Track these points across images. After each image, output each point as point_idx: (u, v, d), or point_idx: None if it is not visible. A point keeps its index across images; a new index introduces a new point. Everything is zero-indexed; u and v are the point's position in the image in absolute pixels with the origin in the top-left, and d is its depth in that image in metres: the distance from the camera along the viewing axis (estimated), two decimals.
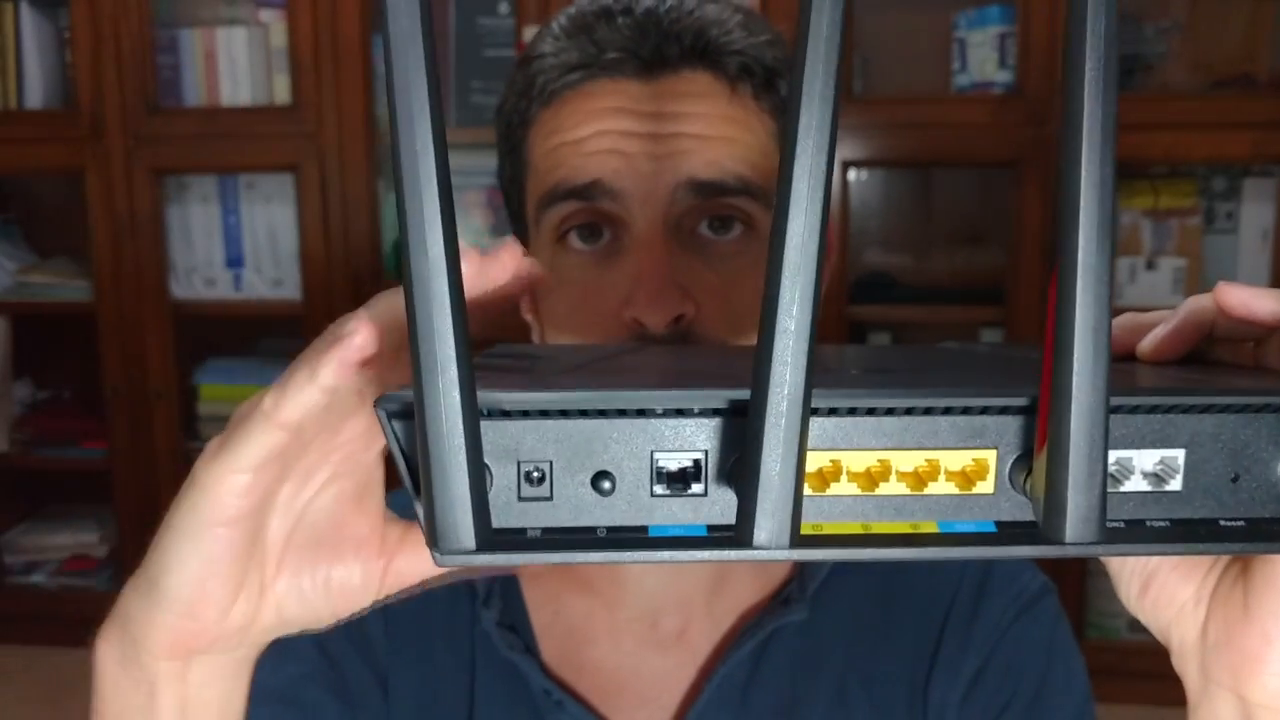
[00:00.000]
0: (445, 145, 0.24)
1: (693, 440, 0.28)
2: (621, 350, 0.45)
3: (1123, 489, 0.29)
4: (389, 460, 0.34)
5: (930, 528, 0.29)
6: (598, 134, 0.58)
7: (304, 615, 0.40)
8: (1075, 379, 0.24)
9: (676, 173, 0.57)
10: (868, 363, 0.38)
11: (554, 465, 0.28)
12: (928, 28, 2.23)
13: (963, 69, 2.12)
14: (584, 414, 0.28)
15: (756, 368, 0.24)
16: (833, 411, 0.28)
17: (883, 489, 0.29)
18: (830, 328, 2.08)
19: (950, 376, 0.33)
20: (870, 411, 0.28)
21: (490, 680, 0.63)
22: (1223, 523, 0.29)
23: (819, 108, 0.23)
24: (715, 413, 0.28)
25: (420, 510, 0.27)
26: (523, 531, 0.28)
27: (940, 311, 2.22)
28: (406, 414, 0.28)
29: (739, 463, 0.27)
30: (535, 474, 0.28)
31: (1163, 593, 0.37)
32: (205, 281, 2.35)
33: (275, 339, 2.46)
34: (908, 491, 0.29)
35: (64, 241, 2.47)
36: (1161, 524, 0.29)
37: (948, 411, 0.28)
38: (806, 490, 0.28)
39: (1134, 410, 0.28)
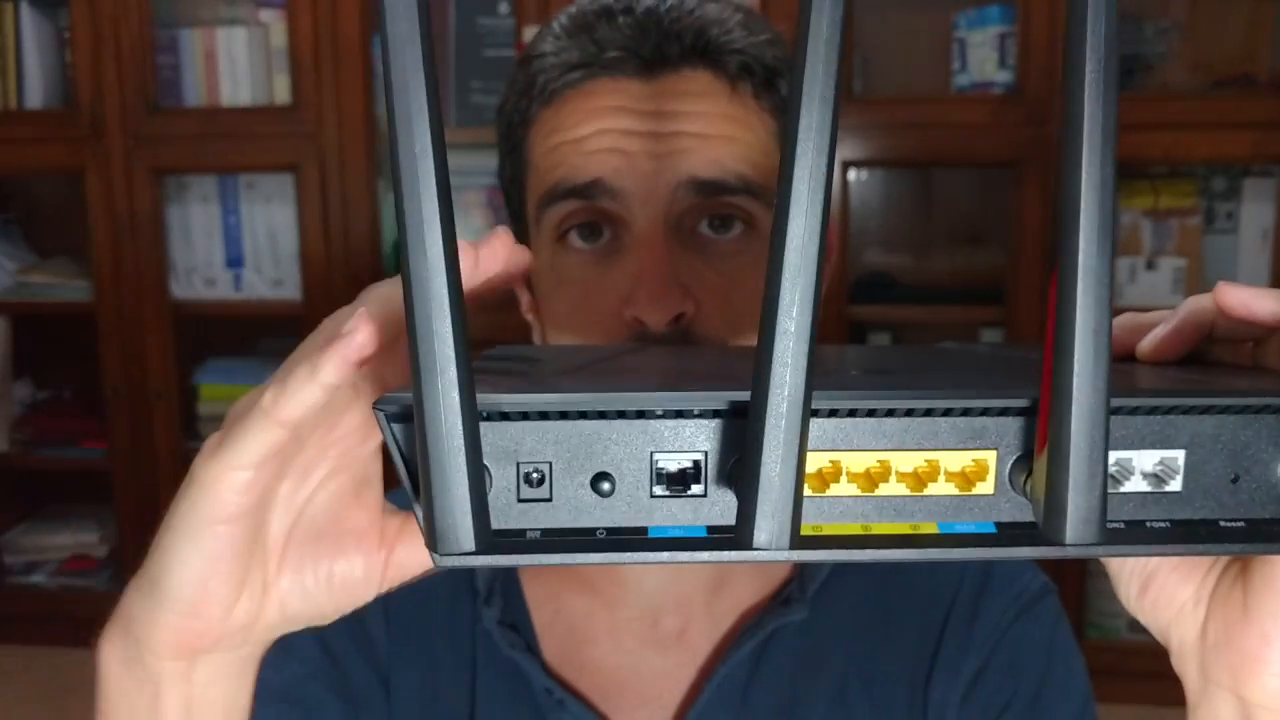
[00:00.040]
0: (444, 147, 0.24)
1: (692, 441, 0.28)
2: (621, 351, 0.45)
3: (1123, 490, 0.29)
4: (387, 456, 0.34)
5: (930, 529, 0.29)
6: (598, 133, 0.58)
7: (308, 611, 0.40)
8: (1075, 380, 0.24)
9: (677, 171, 0.57)
10: (868, 363, 0.38)
11: (553, 466, 0.28)
12: (928, 28, 2.23)
13: (963, 69, 2.12)
14: (583, 415, 0.28)
15: (756, 369, 0.24)
16: (833, 412, 0.28)
17: (882, 490, 0.29)
18: (830, 328, 2.08)
19: (950, 378, 0.33)
20: (870, 412, 0.28)
21: (491, 679, 0.63)
22: (1222, 523, 0.29)
23: (819, 108, 0.23)
24: (715, 414, 0.28)
25: (419, 512, 0.27)
26: (522, 533, 0.28)
27: (940, 311, 2.22)
28: (406, 416, 0.28)
29: (739, 464, 0.27)
30: (535, 475, 0.28)
31: (1162, 593, 0.37)
32: (205, 281, 2.35)
33: (275, 339, 2.45)
34: (907, 492, 0.29)
35: (64, 241, 2.47)
36: (1161, 525, 0.29)
37: (948, 413, 0.28)
38: (806, 491, 0.28)
39: (1134, 411, 0.28)
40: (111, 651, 0.41)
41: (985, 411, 0.28)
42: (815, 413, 0.28)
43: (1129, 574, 0.38)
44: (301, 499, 0.39)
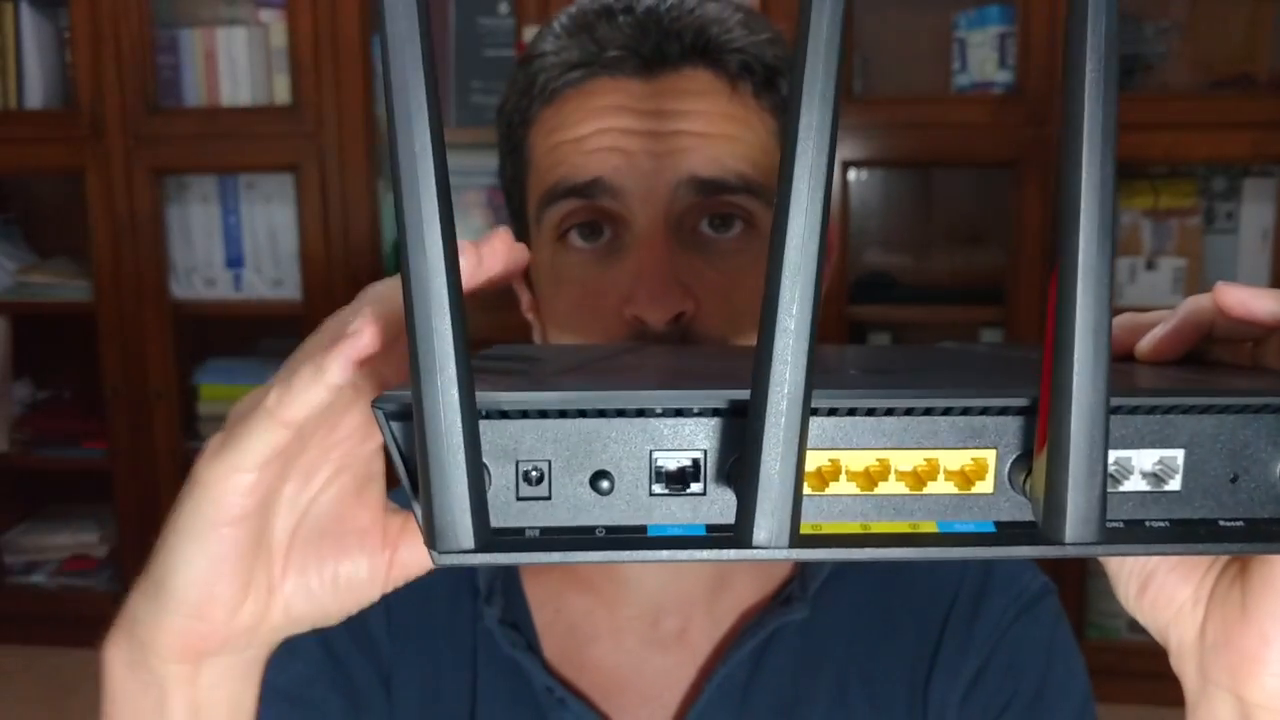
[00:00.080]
0: (443, 146, 0.24)
1: (692, 440, 0.28)
2: (620, 350, 0.45)
3: (1122, 489, 0.29)
4: (389, 454, 0.34)
5: (929, 528, 0.29)
6: (599, 132, 0.58)
7: (313, 613, 0.40)
8: (1075, 379, 0.24)
9: (677, 170, 0.57)
10: (867, 363, 0.38)
11: (552, 465, 0.28)
12: (928, 28, 2.23)
13: (963, 69, 2.12)
14: (582, 414, 0.28)
15: (756, 367, 0.24)
16: (832, 411, 0.28)
17: (882, 489, 0.29)
18: (830, 328, 2.08)
19: (950, 377, 0.33)
20: (870, 411, 0.28)
21: (492, 678, 0.63)
22: (1222, 523, 0.29)
23: (819, 107, 0.23)
24: (714, 412, 0.28)
25: (418, 510, 0.27)
26: (521, 531, 0.28)
27: (940, 311, 2.22)
28: (404, 414, 0.28)
29: (738, 462, 0.27)
30: (534, 474, 0.28)
31: (1161, 593, 0.37)
32: (205, 281, 2.36)
33: (275, 339, 2.46)
34: (907, 491, 0.29)
35: (64, 241, 2.47)
36: (1161, 524, 0.29)
37: (947, 412, 0.28)
38: (805, 490, 0.28)
39: (1133, 410, 0.28)
40: (116, 654, 0.41)
41: (985, 410, 0.28)
42: (815, 411, 0.28)
43: (1128, 574, 0.38)
44: (305, 500, 0.39)
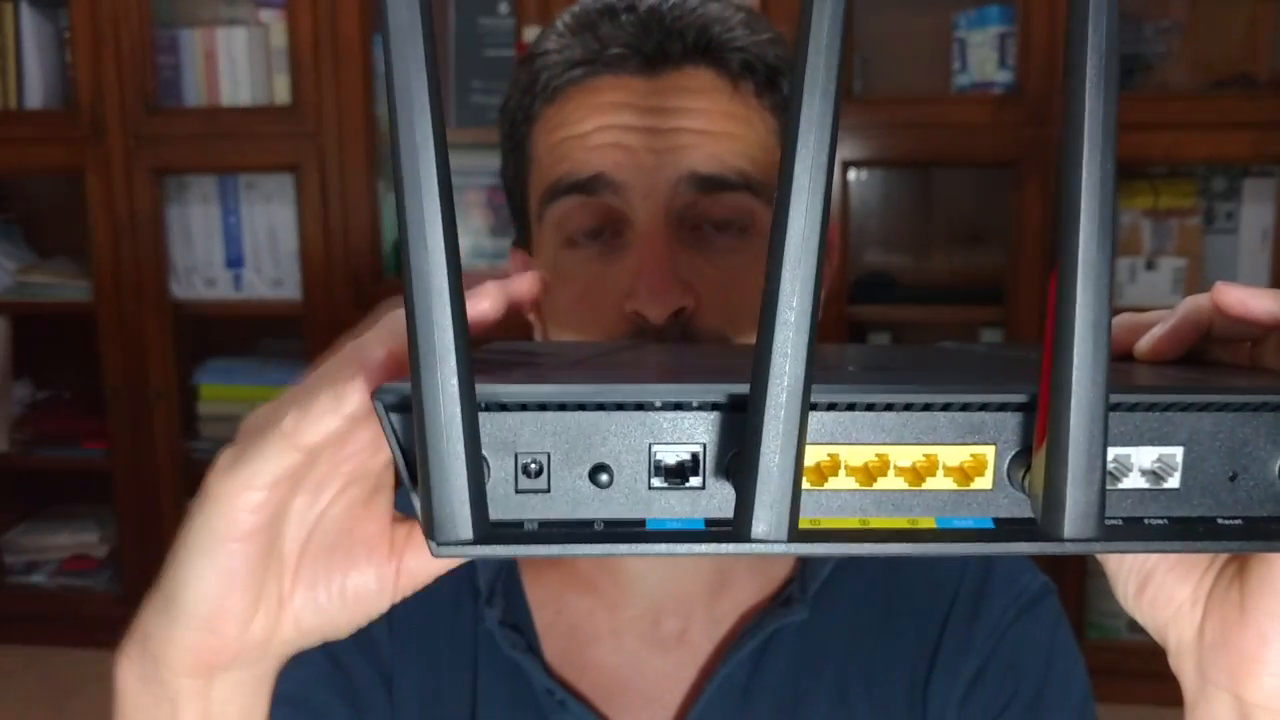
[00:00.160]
0: (445, 139, 0.24)
1: (691, 433, 0.28)
2: (621, 347, 0.45)
3: (1121, 486, 0.29)
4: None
5: (928, 523, 0.29)
6: (600, 128, 0.58)
7: (322, 626, 0.40)
8: (1075, 375, 0.24)
9: (678, 166, 0.57)
10: (867, 360, 0.38)
11: (552, 458, 0.28)
12: (928, 28, 2.23)
13: (963, 69, 2.12)
14: (582, 407, 0.28)
15: (756, 360, 0.24)
16: (832, 406, 0.28)
17: (881, 484, 0.29)
18: (830, 328, 2.08)
19: (949, 373, 0.33)
20: (869, 406, 0.28)
21: (493, 680, 0.63)
22: (1220, 521, 0.29)
23: (820, 101, 0.23)
24: (714, 406, 0.28)
25: (418, 503, 0.27)
26: (520, 524, 0.28)
27: (940, 311, 2.22)
28: (404, 406, 0.28)
29: (737, 456, 0.27)
30: (533, 466, 0.28)
31: (1160, 593, 0.37)
32: (205, 281, 2.36)
33: (275, 339, 2.46)
34: (906, 487, 0.29)
35: (64, 241, 2.47)
36: (1159, 522, 0.29)
37: (947, 407, 0.28)
38: (805, 485, 0.28)
39: (1133, 408, 0.28)
40: (128, 668, 0.40)
41: (984, 407, 0.28)
42: (814, 406, 0.28)
43: (1126, 573, 0.38)
44: (315, 514, 0.39)
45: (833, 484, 0.29)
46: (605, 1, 0.60)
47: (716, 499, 0.29)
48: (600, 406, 0.28)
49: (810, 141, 0.23)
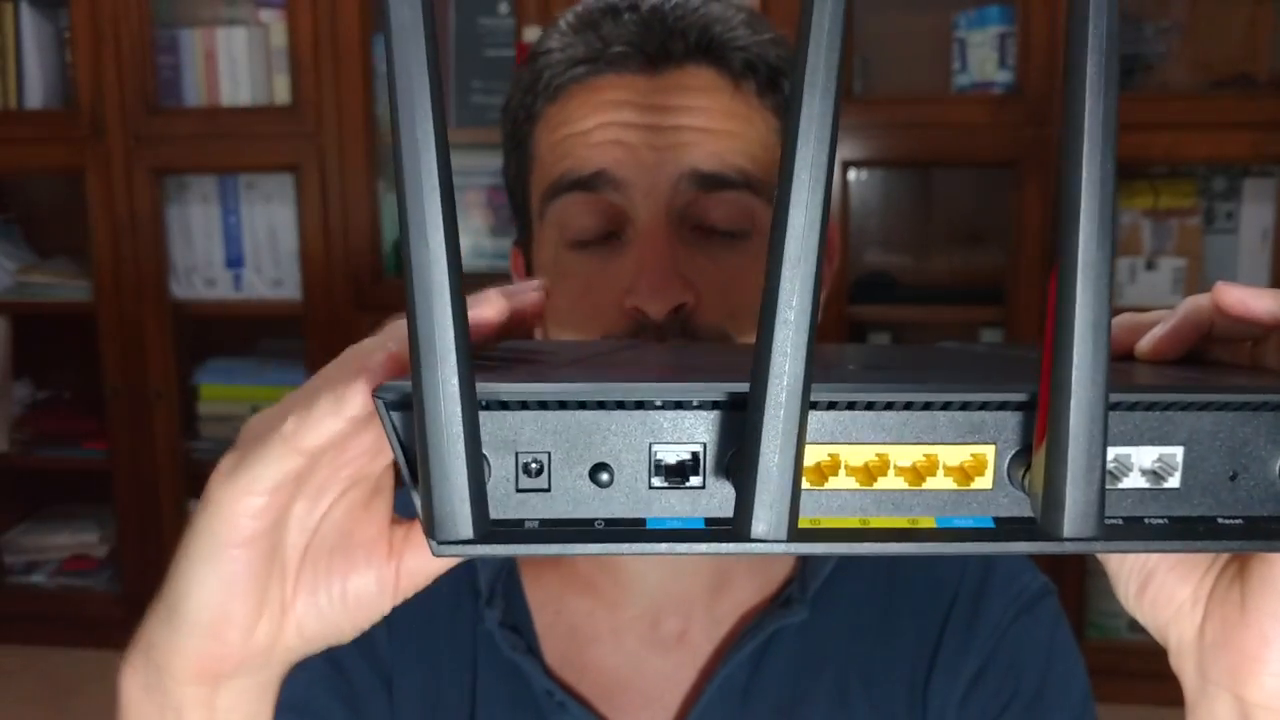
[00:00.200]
0: (446, 138, 0.24)
1: (691, 433, 0.28)
2: (621, 346, 0.45)
3: (1121, 486, 0.29)
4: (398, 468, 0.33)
5: (928, 523, 0.29)
6: (602, 125, 0.58)
7: (326, 631, 0.40)
8: (1075, 374, 0.24)
9: (679, 164, 0.57)
10: (868, 360, 0.38)
11: (552, 457, 0.28)
12: (928, 28, 2.23)
13: (963, 69, 2.12)
14: (582, 405, 0.28)
15: (756, 359, 0.24)
16: (832, 405, 0.28)
17: (881, 484, 0.29)
18: (830, 328, 2.08)
19: (949, 373, 0.33)
20: (869, 406, 0.28)
21: (492, 681, 0.63)
22: (1221, 521, 0.29)
23: (820, 99, 0.23)
24: (714, 405, 0.28)
25: (418, 501, 0.27)
26: (520, 523, 0.28)
27: (940, 311, 2.22)
28: (404, 404, 0.28)
29: (737, 455, 0.27)
30: (534, 465, 0.28)
31: (1160, 592, 0.37)
32: (205, 281, 2.36)
33: (275, 339, 2.46)
34: (906, 486, 0.29)
35: (64, 241, 2.47)
36: (1159, 521, 0.29)
37: (946, 407, 0.28)
38: (805, 485, 0.28)
39: (1133, 407, 0.28)
40: (132, 678, 0.40)
41: (984, 406, 0.28)
42: (814, 405, 0.28)
43: (1127, 572, 0.38)
44: (315, 519, 0.39)
45: (833, 483, 0.29)
46: (608, 1, 0.61)
47: (717, 498, 0.29)
48: (600, 405, 0.28)
49: (810, 141, 0.23)
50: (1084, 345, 0.24)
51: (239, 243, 2.34)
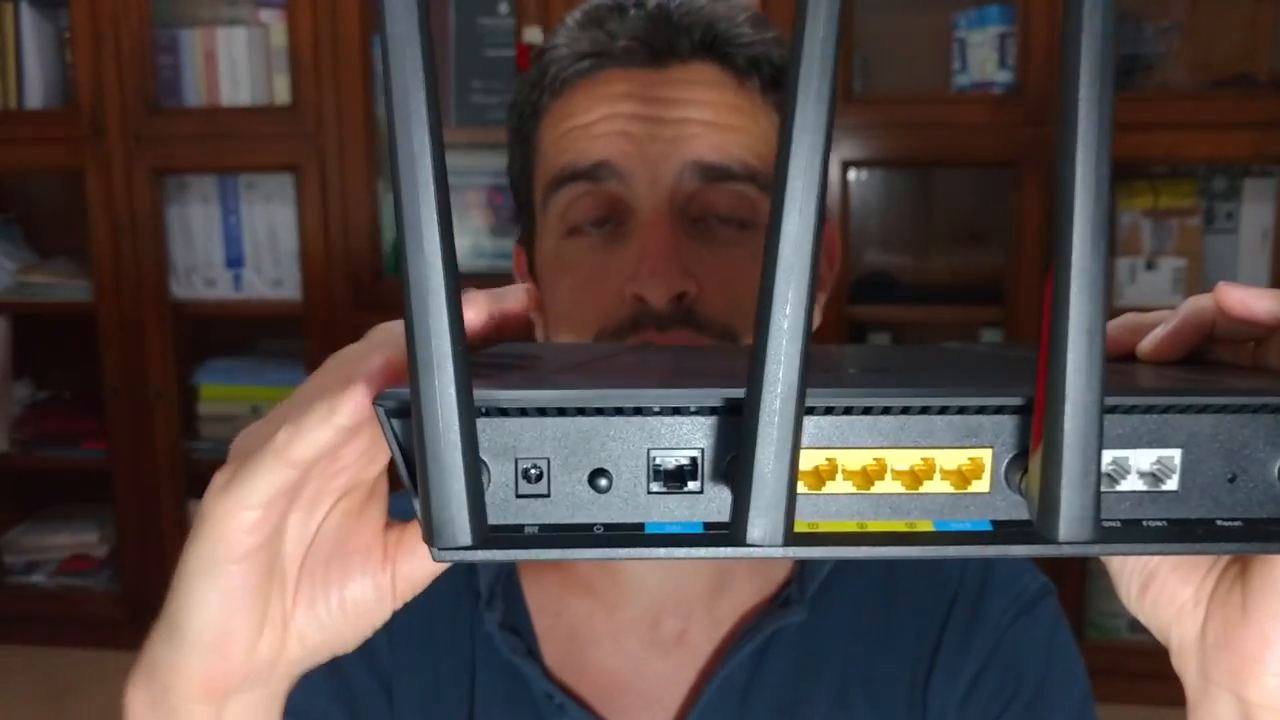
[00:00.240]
0: (442, 145, 0.24)
1: (689, 438, 0.28)
2: (621, 350, 0.45)
3: (1119, 488, 0.29)
4: (392, 471, 0.33)
5: (926, 526, 0.29)
6: (606, 117, 0.59)
7: (328, 641, 0.40)
8: (1070, 378, 0.24)
9: (683, 155, 0.58)
10: (866, 362, 0.38)
11: (551, 463, 0.28)
12: (928, 28, 2.23)
13: (963, 69, 2.12)
14: (581, 412, 0.28)
15: (751, 365, 0.24)
16: (829, 410, 0.28)
17: (879, 487, 0.29)
18: (830, 328, 2.08)
19: (947, 376, 0.33)
20: (866, 410, 0.28)
21: (491, 683, 0.63)
22: (1219, 523, 0.29)
23: (814, 105, 0.23)
24: (711, 411, 0.28)
25: (418, 508, 0.27)
26: (520, 528, 0.29)
27: (940, 311, 2.22)
28: (404, 411, 0.28)
29: (735, 461, 0.27)
30: (533, 471, 0.28)
31: (1162, 593, 0.37)
32: (205, 281, 2.36)
33: (275, 339, 2.46)
34: (904, 490, 0.29)
35: (64, 241, 2.47)
36: (1158, 524, 0.29)
37: (944, 411, 0.28)
38: (803, 489, 0.28)
39: (1130, 410, 0.28)
40: (138, 697, 0.40)
41: (981, 410, 0.28)
42: (811, 410, 0.28)
43: (1129, 573, 0.38)
44: (311, 529, 0.39)
45: (830, 488, 0.29)
46: None
47: (715, 503, 0.29)
48: (599, 412, 0.28)
49: (804, 147, 0.23)
50: (1079, 349, 0.24)
51: (239, 243, 2.34)
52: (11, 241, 2.49)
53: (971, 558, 0.28)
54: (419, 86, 0.23)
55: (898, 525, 0.29)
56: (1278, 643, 0.34)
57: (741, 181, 0.59)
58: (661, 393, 0.28)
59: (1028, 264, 2.07)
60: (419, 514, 0.27)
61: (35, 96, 2.33)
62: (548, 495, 0.29)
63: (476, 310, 0.35)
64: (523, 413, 0.28)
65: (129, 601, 2.37)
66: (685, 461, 0.28)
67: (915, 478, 0.29)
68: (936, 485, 0.29)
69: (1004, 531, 0.29)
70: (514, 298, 0.36)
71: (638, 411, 0.28)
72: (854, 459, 0.28)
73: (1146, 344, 0.35)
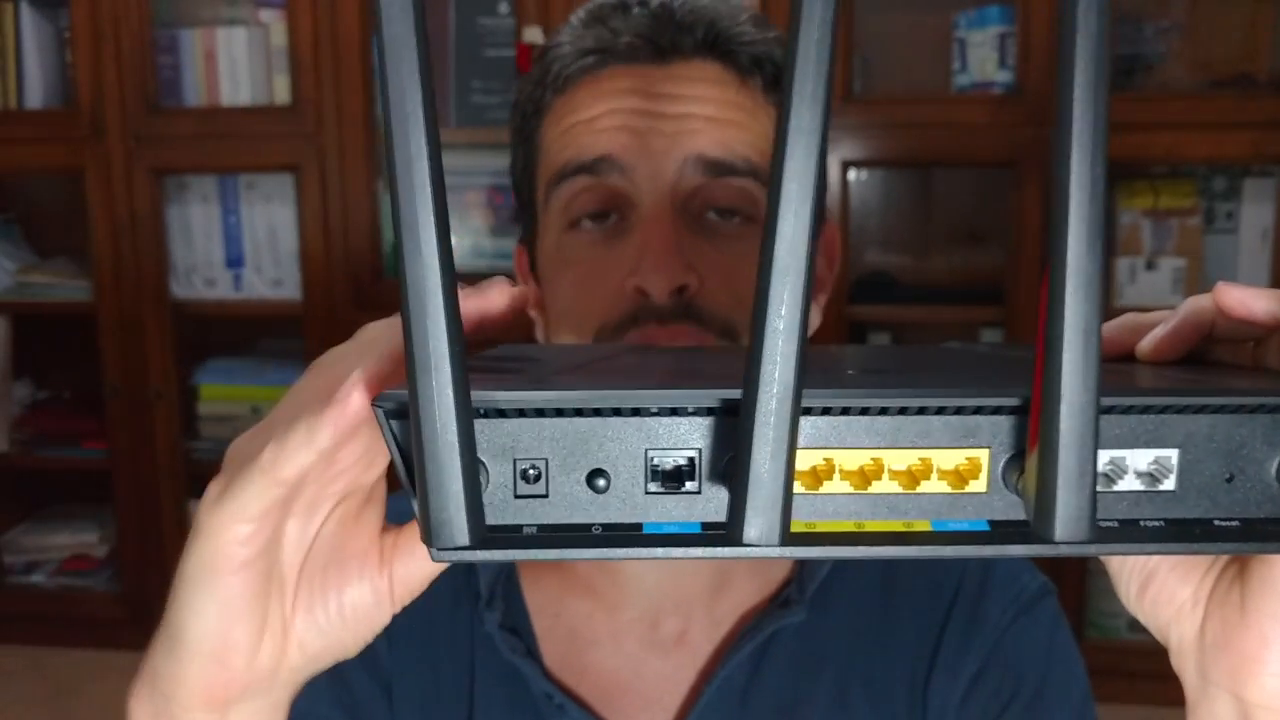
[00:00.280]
0: (439, 147, 0.24)
1: (687, 439, 0.28)
2: (620, 350, 0.45)
3: (1116, 488, 0.29)
4: (390, 475, 0.33)
5: (923, 526, 0.29)
6: (609, 112, 0.59)
7: (329, 647, 0.40)
8: (1065, 379, 0.24)
9: (685, 149, 0.58)
10: (864, 363, 0.38)
11: (550, 463, 0.28)
12: (928, 28, 2.23)
13: (963, 69, 2.12)
14: (579, 413, 0.28)
15: (747, 365, 0.24)
16: (826, 410, 0.28)
17: (876, 488, 0.29)
18: (830, 328, 2.08)
19: (944, 377, 0.33)
20: (864, 410, 0.28)
21: (490, 684, 0.63)
22: (1217, 523, 0.29)
23: (809, 107, 0.23)
24: (709, 412, 0.28)
25: (417, 508, 0.27)
26: (519, 528, 0.29)
27: (940, 311, 2.22)
28: (403, 413, 0.28)
29: (732, 461, 0.27)
30: (531, 472, 0.28)
31: (1161, 593, 0.37)
32: (205, 281, 2.36)
33: (275, 339, 2.46)
34: (901, 490, 0.29)
35: (64, 241, 2.47)
36: (1155, 523, 0.29)
37: (940, 411, 0.28)
38: (800, 489, 0.28)
39: (1127, 410, 0.28)
40: (140, 708, 0.40)
41: (978, 410, 0.28)
42: (809, 411, 0.28)
43: (1129, 573, 0.38)
44: (310, 535, 0.39)
45: (828, 488, 0.29)
46: None
47: (713, 503, 0.29)
48: (597, 412, 0.28)
49: (799, 149, 0.23)
50: (1074, 349, 0.24)
51: (239, 243, 2.34)
52: (11, 241, 2.49)
53: (969, 557, 0.28)
54: (415, 88, 0.23)
55: (895, 525, 0.29)
56: (1276, 643, 0.34)
57: (743, 176, 0.59)
58: (659, 393, 0.28)
59: (1028, 264, 2.07)
60: (417, 514, 0.27)
61: (35, 96, 2.33)
62: (546, 496, 0.29)
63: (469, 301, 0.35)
64: (521, 413, 0.28)
65: (129, 601, 2.37)
66: (683, 462, 0.28)
67: (912, 478, 0.29)
68: (934, 485, 0.29)
69: (1001, 531, 0.29)
70: (496, 296, 0.35)
71: (635, 412, 0.28)
72: (851, 459, 0.29)
73: (1145, 344, 0.35)
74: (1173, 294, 2.12)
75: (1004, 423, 0.28)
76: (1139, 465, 0.29)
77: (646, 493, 0.29)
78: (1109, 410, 0.28)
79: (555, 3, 2.07)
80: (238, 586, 0.36)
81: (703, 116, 0.59)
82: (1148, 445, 0.29)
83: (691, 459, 0.28)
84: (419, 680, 0.64)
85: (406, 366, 0.25)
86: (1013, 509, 0.29)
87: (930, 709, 0.62)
